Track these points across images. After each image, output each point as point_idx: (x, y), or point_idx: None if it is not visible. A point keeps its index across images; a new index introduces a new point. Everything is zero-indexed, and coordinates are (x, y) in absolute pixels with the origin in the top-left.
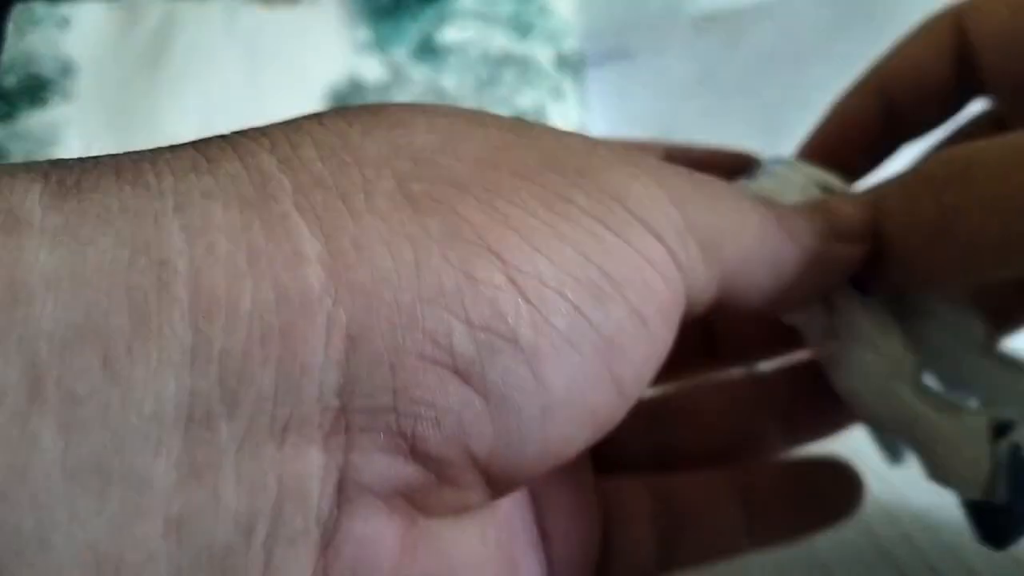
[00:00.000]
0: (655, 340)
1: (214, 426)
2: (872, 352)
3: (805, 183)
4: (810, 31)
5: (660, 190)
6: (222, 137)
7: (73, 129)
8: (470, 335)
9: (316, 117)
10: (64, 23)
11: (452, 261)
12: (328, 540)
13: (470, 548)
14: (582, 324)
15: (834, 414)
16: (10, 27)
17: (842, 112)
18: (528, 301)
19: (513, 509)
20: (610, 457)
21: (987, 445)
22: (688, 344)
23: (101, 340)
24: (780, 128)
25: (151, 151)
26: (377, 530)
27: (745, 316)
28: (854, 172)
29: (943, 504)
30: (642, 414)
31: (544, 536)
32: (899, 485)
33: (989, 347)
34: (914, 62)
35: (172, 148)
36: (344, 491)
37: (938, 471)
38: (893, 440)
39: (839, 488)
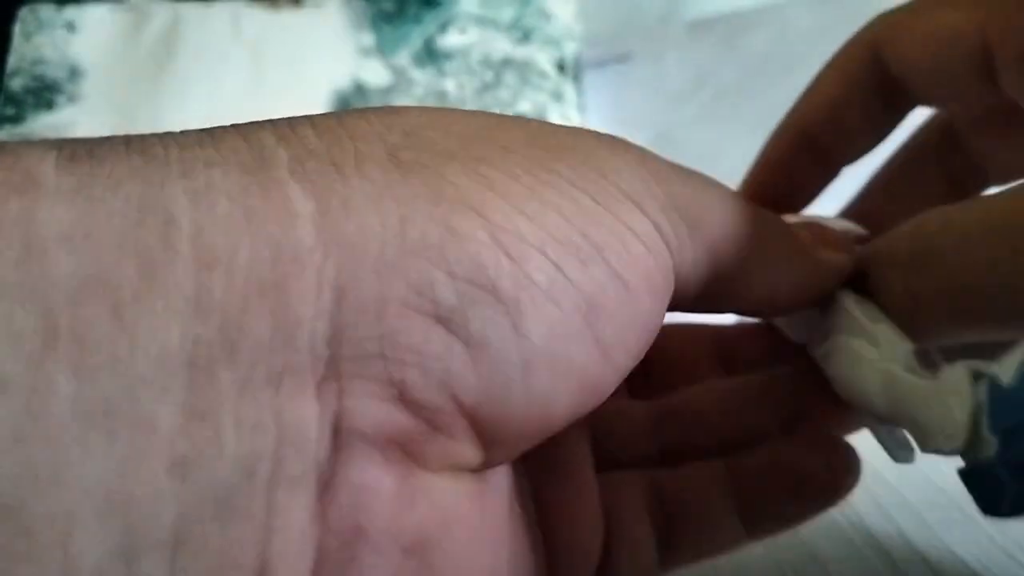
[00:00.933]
0: (639, 306)
1: (215, 372)
2: (867, 340)
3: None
4: (805, 35)
5: (644, 169)
6: (230, 125)
7: (80, 131)
8: (452, 285)
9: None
10: (70, 26)
11: (435, 217)
12: (325, 486)
13: (468, 509)
14: (562, 281)
15: (837, 416)
16: (17, 30)
17: (767, 157)
18: (508, 256)
19: (514, 501)
20: (614, 457)
21: (968, 389)
22: (704, 360)
23: (110, 291)
24: None
25: (160, 134)
26: (374, 477)
27: (746, 305)
28: (792, 209)
29: (940, 502)
30: (649, 416)
31: (546, 534)
32: (896, 484)
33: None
34: (829, 98)
35: (181, 132)
36: (339, 437)
37: (927, 436)
38: (893, 432)
39: (833, 468)
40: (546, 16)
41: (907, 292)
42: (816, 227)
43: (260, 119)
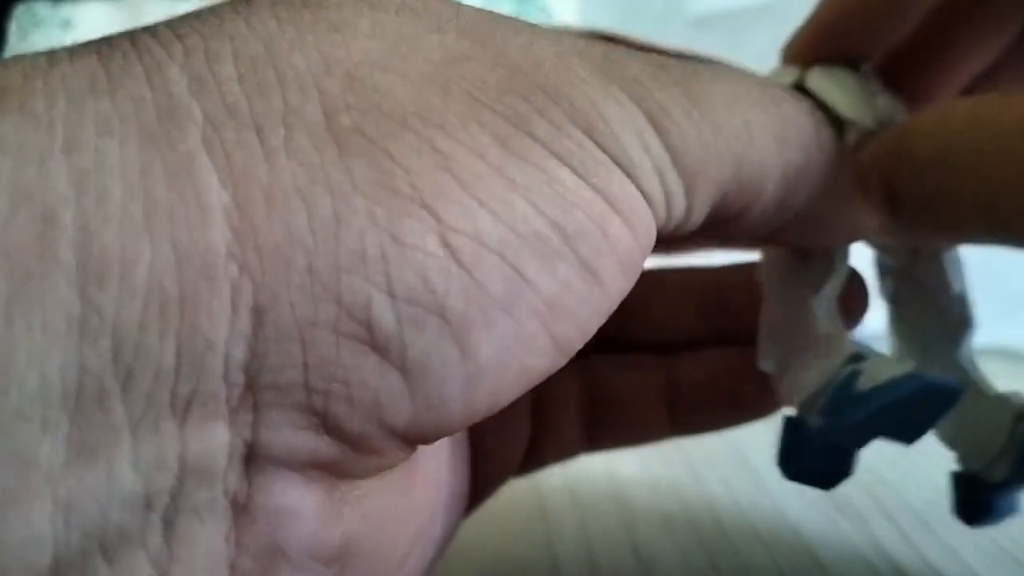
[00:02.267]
0: (609, 294)
1: (107, 405)
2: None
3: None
4: None
5: (640, 113)
6: (131, 38)
7: None
8: (392, 307)
9: (243, 11)
10: (66, 24)
11: (378, 219)
12: (240, 511)
13: (395, 501)
14: (521, 288)
15: None
16: (12, 27)
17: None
18: (461, 266)
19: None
20: None
21: (834, 369)
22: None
23: None
24: None
25: (50, 55)
26: (294, 499)
27: (750, 241)
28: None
29: (942, 504)
30: None
31: (473, 437)
32: (898, 485)
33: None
34: None
35: (72, 54)
36: (253, 465)
37: (786, 391)
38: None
39: (766, 383)
40: (547, 13)
41: (920, 194)
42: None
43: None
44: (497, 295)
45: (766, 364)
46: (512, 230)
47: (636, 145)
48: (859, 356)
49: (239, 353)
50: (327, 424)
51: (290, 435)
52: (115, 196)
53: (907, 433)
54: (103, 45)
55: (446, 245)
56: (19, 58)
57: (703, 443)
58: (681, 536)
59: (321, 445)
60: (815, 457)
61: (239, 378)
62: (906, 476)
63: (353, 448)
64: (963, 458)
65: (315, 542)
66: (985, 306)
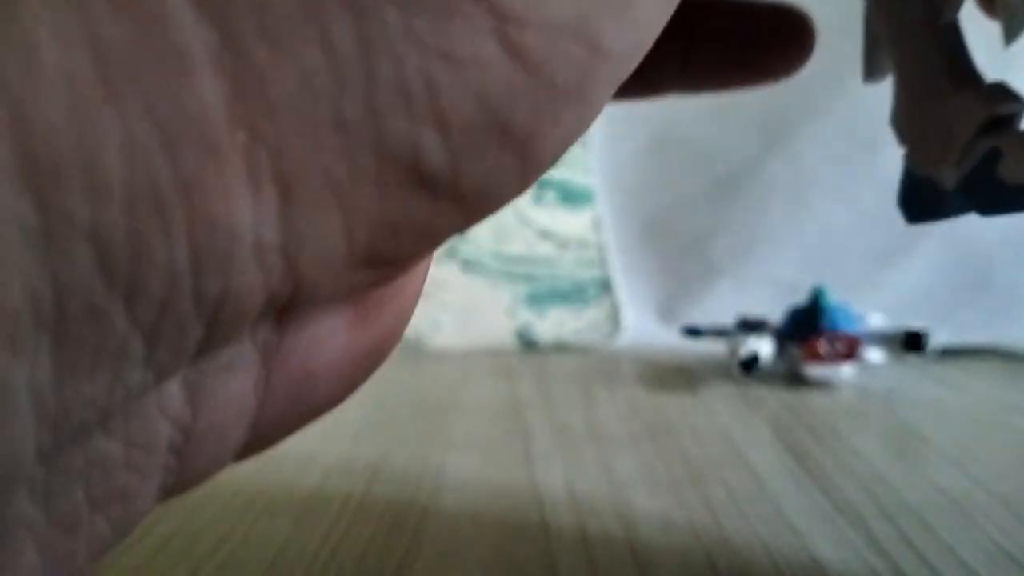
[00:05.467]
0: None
1: (104, 319)
2: None
3: None
4: None
5: None
6: None
7: None
8: (444, 144)
9: None
10: None
11: (420, 34)
12: (270, 354)
13: (415, 284)
14: (596, 64)
15: None
16: None
17: None
18: (528, 68)
19: None
20: None
21: (972, 132)
22: None
23: None
24: (780, 128)
25: None
26: (326, 328)
27: None
28: None
29: (941, 503)
30: None
31: None
32: (897, 485)
33: None
34: None
35: None
36: (288, 314)
37: (909, 125)
38: (881, 59)
39: (788, 39)
40: None
41: None
42: None
43: None
44: (570, 87)
45: (869, 75)
46: None
47: None
48: (998, 122)
49: (271, 235)
50: (371, 260)
51: (331, 283)
52: (47, 48)
53: None
54: None
55: (509, 46)
56: None
57: (703, 443)
58: (680, 536)
59: (363, 277)
60: (939, 209)
61: (276, 261)
62: (906, 476)
63: (396, 270)
64: (917, 152)
65: (347, 353)
66: (983, 306)
